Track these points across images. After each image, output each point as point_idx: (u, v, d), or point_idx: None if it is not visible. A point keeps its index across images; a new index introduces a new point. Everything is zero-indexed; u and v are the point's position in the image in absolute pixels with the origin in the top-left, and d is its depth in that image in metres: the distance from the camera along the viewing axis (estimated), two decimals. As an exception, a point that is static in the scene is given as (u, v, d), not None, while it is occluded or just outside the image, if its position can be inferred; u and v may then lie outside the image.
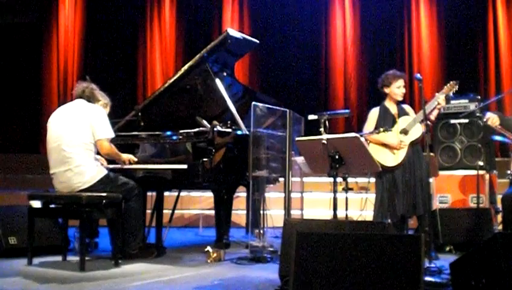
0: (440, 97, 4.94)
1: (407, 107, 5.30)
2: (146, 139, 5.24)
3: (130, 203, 4.68)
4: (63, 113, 4.71)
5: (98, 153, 4.72)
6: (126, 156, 4.85)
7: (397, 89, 5.16)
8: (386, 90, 5.20)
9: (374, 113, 5.27)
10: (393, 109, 5.20)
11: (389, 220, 4.98)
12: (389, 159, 5.02)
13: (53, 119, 4.71)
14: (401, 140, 5.02)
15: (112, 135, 4.66)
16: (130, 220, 4.68)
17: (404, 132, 5.02)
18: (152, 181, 5.05)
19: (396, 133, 5.03)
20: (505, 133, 5.04)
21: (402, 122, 5.08)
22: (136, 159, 4.93)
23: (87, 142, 4.54)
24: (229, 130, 5.07)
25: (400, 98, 5.21)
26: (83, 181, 4.48)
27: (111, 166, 4.89)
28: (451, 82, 5.01)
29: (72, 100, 4.80)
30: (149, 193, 5.39)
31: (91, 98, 4.73)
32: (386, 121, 5.10)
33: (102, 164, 4.70)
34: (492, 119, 4.95)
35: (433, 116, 5.03)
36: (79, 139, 4.52)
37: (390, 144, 5.04)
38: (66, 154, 4.50)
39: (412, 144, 5.04)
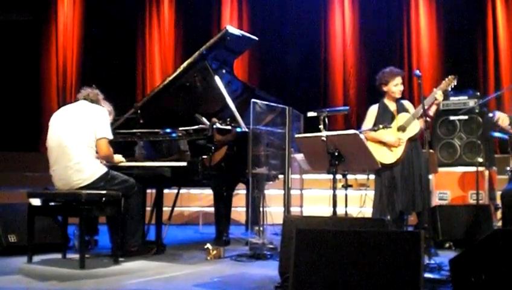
0: (438, 93, 4.89)
1: (406, 103, 5.27)
2: (145, 137, 5.24)
3: (129, 200, 4.69)
4: (65, 112, 4.72)
5: None
6: (117, 158, 4.86)
7: (395, 87, 5.13)
8: (384, 88, 5.19)
9: (372, 111, 5.26)
10: (392, 106, 5.18)
11: (388, 217, 4.98)
12: (387, 156, 5.01)
13: (55, 118, 4.71)
14: (398, 137, 5.00)
15: (111, 136, 4.65)
16: (129, 217, 4.69)
17: (402, 128, 5.01)
18: (152, 178, 5.05)
19: (394, 131, 5.02)
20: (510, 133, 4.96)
21: (400, 119, 5.07)
22: (124, 160, 4.93)
23: (88, 140, 4.53)
24: (229, 127, 5.07)
25: (398, 96, 5.19)
26: (82, 178, 4.47)
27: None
28: (449, 76, 4.96)
29: (72, 101, 4.82)
30: (149, 191, 5.38)
31: (95, 102, 4.74)
32: (385, 118, 5.09)
33: (101, 162, 4.70)
34: (502, 119, 4.88)
35: (431, 112, 5.00)
36: (80, 137, 4.52)
37: (387, 142, 5.02)
38: (66, 151, 4.50)
39: (411, 141, 5.03)
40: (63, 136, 4.54)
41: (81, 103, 4.71)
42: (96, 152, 4.62)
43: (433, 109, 4.98)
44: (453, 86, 4.97)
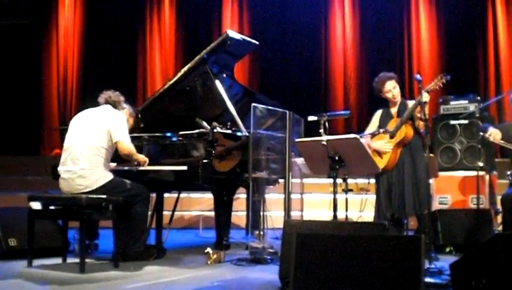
0: (423, 94, 4.66)
1: (411, 104, 5.08)
2: (146, 141, 5.24)
3: (135, 207, 4.67)
4: (86, 115, 4.78)
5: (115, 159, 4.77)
6: (142, 157, 4.85)
7: (388, 93, 5.09)
8: (382, 95, 5.16)
9: (375, 116, 5.24)
10: (393, 110, 5.16)
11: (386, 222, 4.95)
12: (378, 163, 4.96)
13: (75, 120, 4.78)
14: (384, 143, 4.96)
15: (128, 140, 4.68)
16: (133, 223, 4.68)
17: (392, 134, 4.96)
18: (153, 183, 5.04)
19: (387, 136, 4.99)
20: (508, 147, 4.97)
21: (392, 125, 5.02)
22: (147, 160, 4.91)
23: (98, 146, 4.57)
24: (229, 131, 5.07)
25: (396, 99, 5.12)
26: (84, 185, 4.49)
27: (113, 164, 4.89)
28: (438, 76, 4.79)
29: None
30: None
31: (116, 104, 4.82)
32: (385, 123, 5.07)
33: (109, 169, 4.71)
34: (494, 135, 4.89)
35: (425, 115, 4.88)
36: (90, 143, 4.56)
37: (374, 148, 5.00)
38: (74, 154, 4.55)
39: (403, 145, 4.97)
40: (75, 139, 4.61)
41: (104, 107, 4.78)
42: (112, 158, 4.70)
43: (425, 111, 4.86)
44: (441, 85, 4.75)
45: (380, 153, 5.00)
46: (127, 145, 4.64)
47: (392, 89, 5.09)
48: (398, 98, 5.13)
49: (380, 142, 4.98)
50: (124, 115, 4.80)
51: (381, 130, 4.83)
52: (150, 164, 4.94)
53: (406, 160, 4.96)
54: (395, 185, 4.95)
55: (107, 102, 4.81)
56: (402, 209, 4.92)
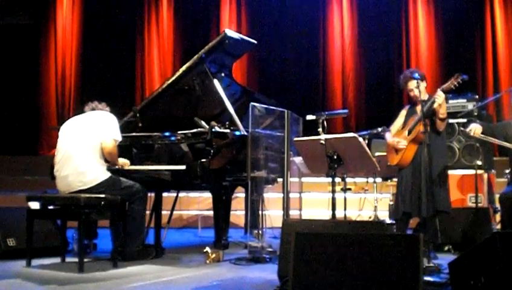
0: (437, 93, 4.73)
1: None
2: (145, 140, 5.23)
3: (132, 205, 4.69)
4: (74, 121, 4.81)
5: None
6: (121, 161, 4.86)
7: (411, 92, 5.00)
8: (407, 93, 5.10)
9: (402, 112, 5.18)
10: (418, 108, 5.07)
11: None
12: (393, 158, 4.96)
13: (64, 127, 4.79)
14: (398, 140, 4.95)
15: (119, 138, 4.68)
16: (131, 222, 4.69)
17: (409, 131, 4.95)
18: (151, 182, 5.04)
19: (405, 133, 4.97)
20: (488, 141, 5.11)
21: (411, 122, 5.00)
22: (128, 163, 4.92)
23: (95, 143, 4.57)
24: (227, 130, 5.07)
25: (420, 98, 5.01)
26: (83, 181, 4.50)
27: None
28: (455, 75, 4.76)
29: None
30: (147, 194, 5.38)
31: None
32: (408, 120, 5.05)
33: (107, 167, 4.71)
34: (474, 129, 4.97)
35: (442, 114, 4.83)
36: (85, 142, 4.57)
37: (389, 143, 5.00)
38: (71, 158, 4.55)
39: (419, 143, 4.91)
40: (70, 140, 4.62)
41: (93, 112, 4.80)
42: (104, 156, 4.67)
43: (442, 110, 4.81)
44: (456, 84, 4.74)
45: (396, 150, 4.97)
46: (108, 145, 4.61)
47: (414, 88, 4.94)
48: (423, 97, 4.99)
49: (395, 138, 4.96)
50: (113, 116, 4.80)
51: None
52: (147, 164, 4.93)
53: (422, 159, 4.86)
54: (410, 184, 4.87)
55: (93, 110, 4.84)
56: (417, 210, 4.81)
